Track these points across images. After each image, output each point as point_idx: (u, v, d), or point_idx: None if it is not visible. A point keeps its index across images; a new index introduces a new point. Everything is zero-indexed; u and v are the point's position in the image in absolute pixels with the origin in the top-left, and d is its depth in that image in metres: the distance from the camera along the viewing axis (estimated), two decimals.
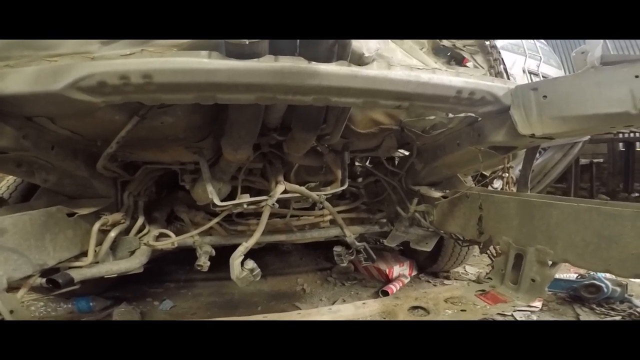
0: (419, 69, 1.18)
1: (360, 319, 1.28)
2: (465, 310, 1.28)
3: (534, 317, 2.19)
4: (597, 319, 2.18)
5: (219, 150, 1.60)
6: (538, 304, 2.29)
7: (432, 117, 1.60)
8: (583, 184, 5.59)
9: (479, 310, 1.27)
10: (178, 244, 1.82)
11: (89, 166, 1.50)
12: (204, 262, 1.75)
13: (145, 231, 1.83)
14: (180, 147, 1.57)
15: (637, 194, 5.59)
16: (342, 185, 1.76)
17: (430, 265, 2.92)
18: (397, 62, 1.36)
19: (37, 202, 1.51)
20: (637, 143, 6.48)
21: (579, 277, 2.44)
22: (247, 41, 0.95)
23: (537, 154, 1.87)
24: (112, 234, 1.62)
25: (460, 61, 2.09)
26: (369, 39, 1.08)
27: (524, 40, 5.88)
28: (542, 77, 5.47)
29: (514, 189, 1.62)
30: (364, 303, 1.39)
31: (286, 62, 1.01)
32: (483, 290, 1.39)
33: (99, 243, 1.57)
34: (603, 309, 2.26)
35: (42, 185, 1.48)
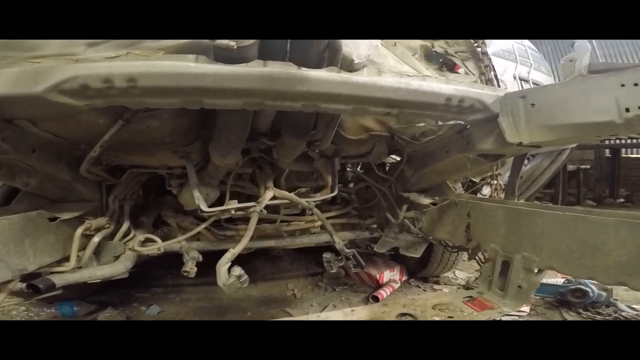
0: (409, 75, 1.18)
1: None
2: (452, 317, 1.29)
3: None
4: None
5: (207, 154, 1.57)
6: (526, 308, 2.31)
7: (422, 124, 1.60)
8: (571, 189, 5.69)
9: (466, 318, 1.28)
10: (165, 249, 1.78)
11: (72, 170, 1.47)
12: (190, 268, 1.72)
13: (130, 236, 1.79)
14: (167, 151, 1.54)
15: (622, 200, 5.70)
16: (332, 191, 1.75)
17: (420, 270, 2.93)
18: (389, 69, 1.35)
19: (17, 205, 1.47)
20: (623, 149, 6.62)
21: (566, 281, 2.47)
22: (234, 45, 0.93)
23: (526, 161, 1.89)
24: (96, 239, 1.58)
25: (452, 67, 2.11)
26: (363, 38, 1.08)
27: (515, 47, 5.96)
28: (533, 83, 5.54)
29: (502, 196, 1.63)
30: (352, 310, 1.39)
31: (275, 68, 1.00)
32: (470, 297, 1.40)
33: (82, 248, 1.54)
34: (589, 313, 2.30)
35: (22, 189, 1.44)
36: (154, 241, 1.75)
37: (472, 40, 2.09)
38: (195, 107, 1.07)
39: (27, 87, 0.94)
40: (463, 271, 3.30)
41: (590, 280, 2.30)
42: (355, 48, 1.06)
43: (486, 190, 2.11)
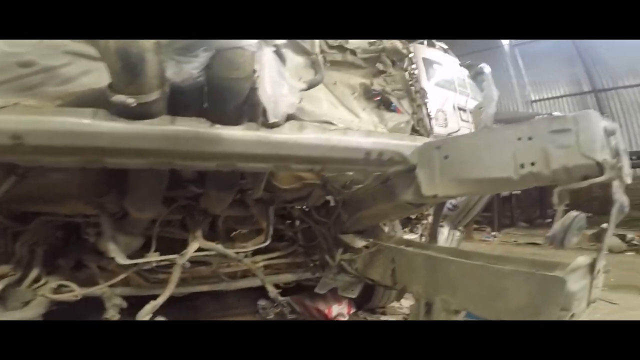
0: (330, 130, 1.18)
1: None
2: None
3: None
4: None
5: None
6: None
7: (351, 173, 1.62)
8: (506, 212, 6.15)
9: None
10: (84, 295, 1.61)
11: None
12: (112, 316, 1.57)
13: (42, 282, 1.60)
14: (78, 202, 1.41)
15: (549, 220, 6.29)
16: (266, 239, 1.70)
17: (366, 302, 2.94)
18: (321, 115, 1.35)
19: None
20: None
21: None
22: (133, 102, 0.88)
23: None
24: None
25: (388, 105, 2.19)
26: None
27: (455, 77, 6.43)
28: (470, 112, 6.00)
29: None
30: None
31: (183, 126, 0.96)
32: None
33: None
34: None
35: None
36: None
37: (407, 77, 2.20)
38: (95, 166, 0.99)
39: None
40: (409, 300, 3.36)
41: None
42: (273, 106, 1.04)
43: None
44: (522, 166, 1.07)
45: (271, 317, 1.80)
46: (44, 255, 1.62)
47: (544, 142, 1.05)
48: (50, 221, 1.64)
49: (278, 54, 1.06)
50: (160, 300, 1.41)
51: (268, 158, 1.08)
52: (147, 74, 0.87)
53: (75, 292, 1.57)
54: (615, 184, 1.02)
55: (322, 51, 1.92)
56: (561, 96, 9.40)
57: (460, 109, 5.70)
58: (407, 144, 1.30)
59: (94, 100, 0.94)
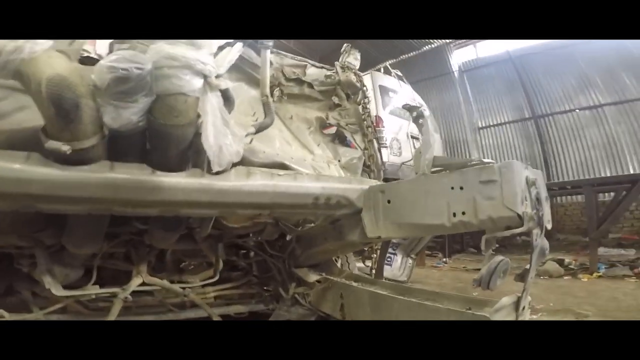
0: (279, 175, 1.18)
1: None
2: None
3: None
4: None
5: None
6: None
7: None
8: (456, 238, 6.46)
9: None
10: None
11: None
12: None
13: None
14: (11, 235, 1.32)
15: (497, 245, 6.66)
16: (215, 274, 1.67)
17: None
18: (272, 155, 1.35)
19: None
20: None
21: None
22: (68, 149, 0.84)
23: None
24: None
25: (343, 139, 2.25)
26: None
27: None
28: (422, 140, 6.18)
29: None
30: None
31: (123, 174, 0.93)
32: None
33: None
34: None
35: None
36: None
37: (360, 110, 2.28)
38: (28, 210, 0.94)
39: None
40: None
41: None
42: (218, 156, 1.01)
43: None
44: (454, 215, 1.15)
45: None
46: None
47: (474, 192, 1.14)
48: None
49: (226, 97, 1.03)
50: None
51: (212, 205, 1.07)
52: (82, 120, 0.84)
53: (5, 317, 1.44)
54: (535, 232, 1.12)
55: (279, 84, 1.96)
56: (505, 122, 9.83)
57: (413, 137, 5.88)
58: (354, 188, 1.35)
59: (27, 140, 0.90)
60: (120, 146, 0.96)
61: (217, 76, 0.96)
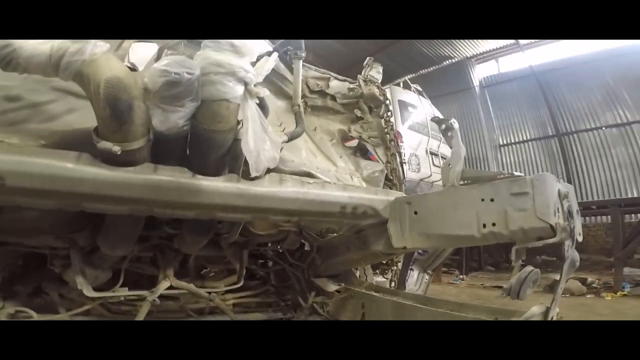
0: (309, 183, 1.21)
1: None
2: None
3: None
4: None
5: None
6: None
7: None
8: (474, 256, 6.30)
9: None
10: None
11: None
12: None
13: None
14: (49, 236, 1.37)
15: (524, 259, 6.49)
16: (239, 281, 1.68)
17: None
18: (299, 165, 1.38)
19: None
20: None
21: None
22: (118, 150, 0.89)
23: None
24: None
25: (365, 152, 2.26)
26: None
27: (429, 121, 6.59)
28: (441, 157, 6.04)
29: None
30: None
31: (165, 176, 0.97)
32: None
33: None
34: None
35: None
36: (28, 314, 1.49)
37: (382, 124, 2.29)
38: (74, 209, 0.99)
39: None
40: None
41: None
42: (256, 161, 1.04)
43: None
44: (484, 226, 1.15)
45: None
46: (3, 282, 1.55)
47: (505, 204, 1.14)
48: (14, 250, 1.58)
49: (261, 105, 1.08)
50: None
51: (247, 209, 1.09)
52: (134, 122, 0.88)
53: (34, 318, 1.49)
54: (567, 243, 1.11)
55: (303, 95, 2.01)
56: (527, 140, 9.59)
57: (432, 153, 5.79)
58: (380, 199, 1.37)
59: (77, 141, 0.94)
60: (162, 149, 1.00)
61: (256, 84, 1.01)
